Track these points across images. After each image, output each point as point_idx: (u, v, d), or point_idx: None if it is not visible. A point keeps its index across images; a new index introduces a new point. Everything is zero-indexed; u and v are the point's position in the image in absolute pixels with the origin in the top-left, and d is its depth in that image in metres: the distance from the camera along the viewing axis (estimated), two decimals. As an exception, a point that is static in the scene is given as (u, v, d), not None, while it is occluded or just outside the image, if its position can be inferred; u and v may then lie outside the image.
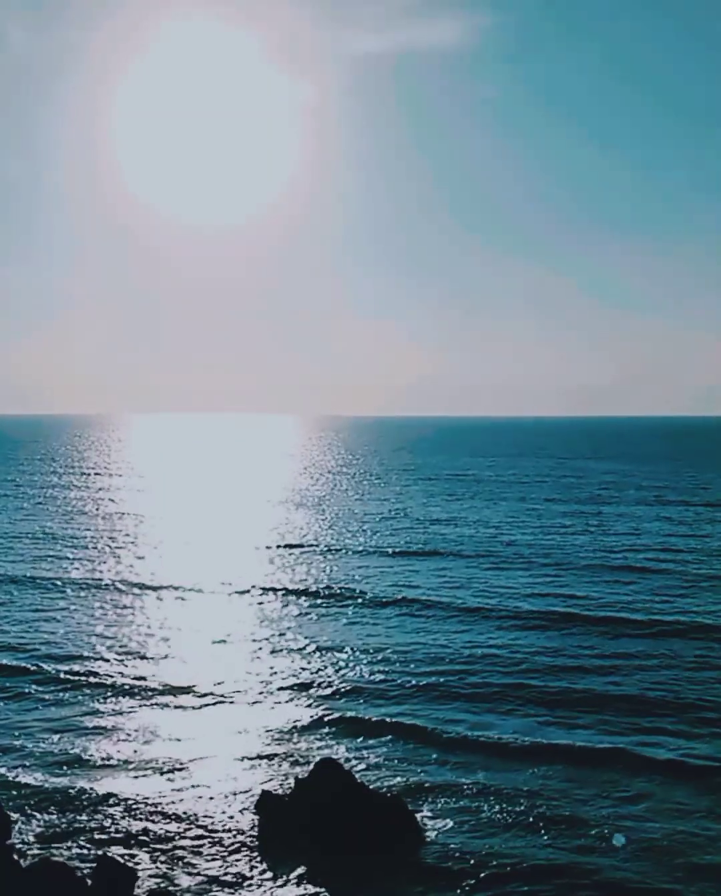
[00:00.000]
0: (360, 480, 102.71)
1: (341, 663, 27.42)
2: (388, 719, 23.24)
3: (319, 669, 26.93)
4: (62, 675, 26.56)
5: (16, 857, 15.68)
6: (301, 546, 50.08)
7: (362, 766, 20.44)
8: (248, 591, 37.31)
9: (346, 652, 28.55)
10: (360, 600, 35.49)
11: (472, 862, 16.39)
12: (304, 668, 27.02)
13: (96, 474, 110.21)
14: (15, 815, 17.86)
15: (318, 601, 35.69)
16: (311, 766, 18.13)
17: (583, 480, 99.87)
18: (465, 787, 19.36)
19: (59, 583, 39.03)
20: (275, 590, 37.68)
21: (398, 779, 19.80)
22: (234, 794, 19.29)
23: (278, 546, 50.22)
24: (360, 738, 22.18)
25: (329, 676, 26.42)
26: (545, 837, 17.21)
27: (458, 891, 15.58)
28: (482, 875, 16.01)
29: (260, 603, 35.68)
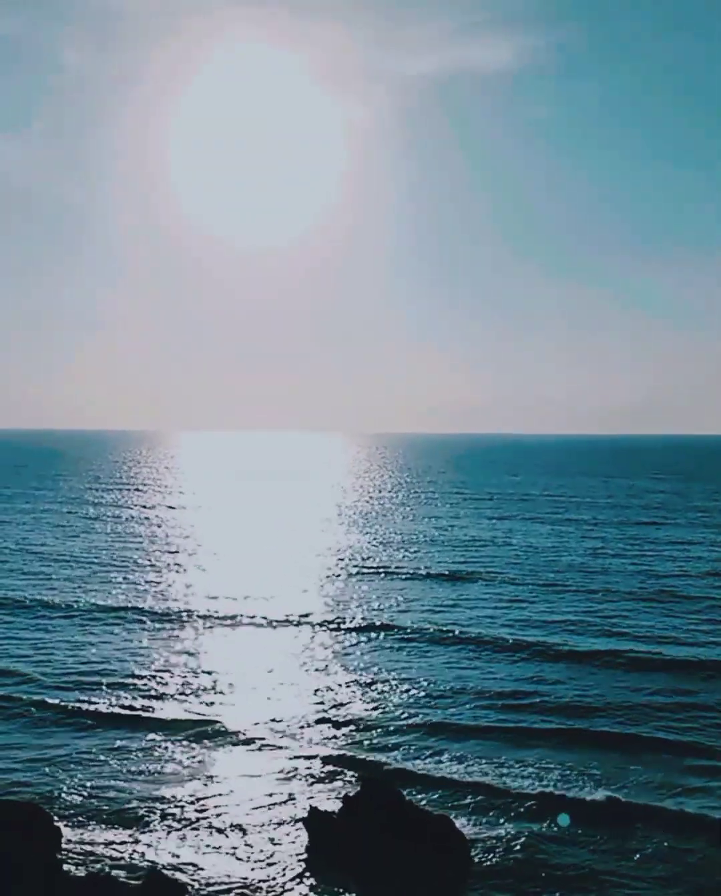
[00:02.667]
0: (405, 499, 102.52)
1: (385, 693, 27.17)
2: (436, 744, 23.18)
3: (364, 700, 26.68)
4: (110, 699, 26.59)
5: (66, 868, 15.80)
6: (344, 570, 49.40)
7: (410, 786, 20.37)
8: (287, 620, 36.43)
9: (389, 682, 28.31)
10: (400, 631, 34.59)
11: (519, 881, 16.27)
12: (348, 698, 26.72)
13: (141, 491, 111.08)
14: (65, 830, 18.01)
15: (364, 631, 34.74)
16: (359, 785, 18.08)
17: (633, 500, 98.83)
18: (515, 808, 19.23)
19: (97, 609, 38.47)
20: (317, 617, 36.90)
21: (447, 798, 19.73)
22: (283, 811, 19.31)
23: (321, 570, 49.59)
24: (409, 759, 22.10)
25: (375, 705, 26.28)
26: (589, 861, 17.01)
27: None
28: (532, 891, 15.90)
29: (302, 631, 35.04)
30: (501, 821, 18.58)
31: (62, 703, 25.80)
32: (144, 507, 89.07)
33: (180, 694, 26.98)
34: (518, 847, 17.46)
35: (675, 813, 18.93)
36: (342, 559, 53.75)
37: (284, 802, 19.67)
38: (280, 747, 23.02)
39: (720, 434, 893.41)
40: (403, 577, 47.41)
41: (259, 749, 22.96)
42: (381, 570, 49.49)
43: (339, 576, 47.75)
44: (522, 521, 75.42)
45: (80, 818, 18.83)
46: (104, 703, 25.95)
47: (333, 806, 18.38)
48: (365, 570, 49.30)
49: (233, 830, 18.39)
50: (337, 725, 24.16)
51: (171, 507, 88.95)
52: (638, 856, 17.23)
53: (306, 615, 37.16)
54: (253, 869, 16.83)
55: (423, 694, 26.91)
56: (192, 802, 19.75)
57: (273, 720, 24.60)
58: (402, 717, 24.77)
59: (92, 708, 25.48)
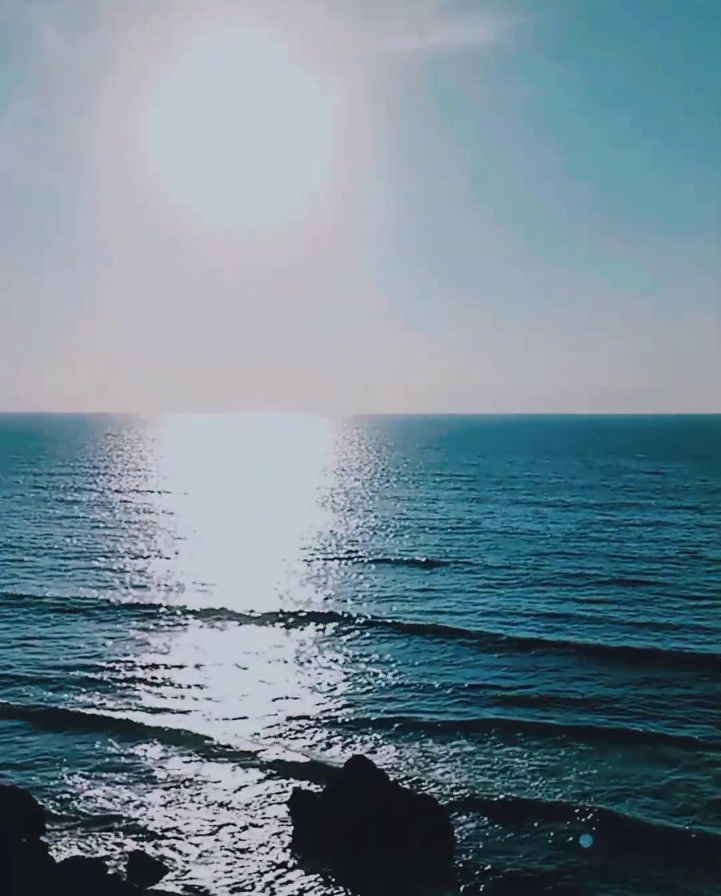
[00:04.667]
0: (382, 480, 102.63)
1: (361, 685, 26.59)
2: (419, 722, 23.22)
3: (340, 693, 26.21)
4: (81, 696, 26.05)
5: (49, 852, 15.78)
6: (318, 557, 48.48)
7: (395, 765, 20.44)
8: (256, 611, 35.19)
9: (365, 673, 27.84)
10: (374, 620, 33.51)
11: (503, 860, 16.38)
12: (324, 692, 26.22)
13: (118, 475, 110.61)
14: (49, 811, 18.01)
15: (338, 621, 33.68)
16: (343, 766, 18.11)
17: (612, 479, 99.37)
18: (497, 787, 19.34)
19: (77, 603, 37.04)
20: (287, 608, 35.74)
21: (430, 778, 19.80)
22: (267, 791, 19.36)
23: (293, 556, 48.64)
24: (393, 738, 22.16)
25: (350, 699, 25.85)
26: (578, 838, 17.14)
27: (489, 889, 15.54)
28: (513, 874, 16.00)
29: (272, 621, 33.99)
30: (487, 799, 18.70)
31: (34, 701, 25.14)
32: (119, 491, 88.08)
33: (152, 687, 26.47)
34: (503, 833, 17.52)
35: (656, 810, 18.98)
36: (316, 544, 53.07)
37: (266, 786, 19.68)
38: (263, 727, 23.03)
39: (703, 412, 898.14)
40: (377, 562, 46.78)
41: (241, 728, 22.94)
42: (355, 555, 48.85)
43: (311, 562, 47.03)
44: (502, 504, 75.16)
45: (62, 806, 18.76)
46: (76, 699, 25.37)
47: (317, 788, 18.43)
48: (338, 556, 48.63)
49: (217, 810, 18.44)
50: (313, 718, 23.73)
51: (145, 492, 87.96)
52: (624, 847, 17.34)
53: (275, 605, 36.36)
54: (236, 848, 16.87)
55: (398, 685, 26.45)
56: (176, 784, 19.77)
57: (247, 712, 24.20)
58: (379, 710, 24.33)
59: (62, 706, 24.79)
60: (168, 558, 48.42)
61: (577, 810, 18.07)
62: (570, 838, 17.12)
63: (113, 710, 24.48)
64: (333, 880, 15.78)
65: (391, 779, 17.79)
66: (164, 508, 72.68)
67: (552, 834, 17.34)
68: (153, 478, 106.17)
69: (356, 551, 50.33)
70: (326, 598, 38.14)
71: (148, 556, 48.87)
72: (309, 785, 19.14)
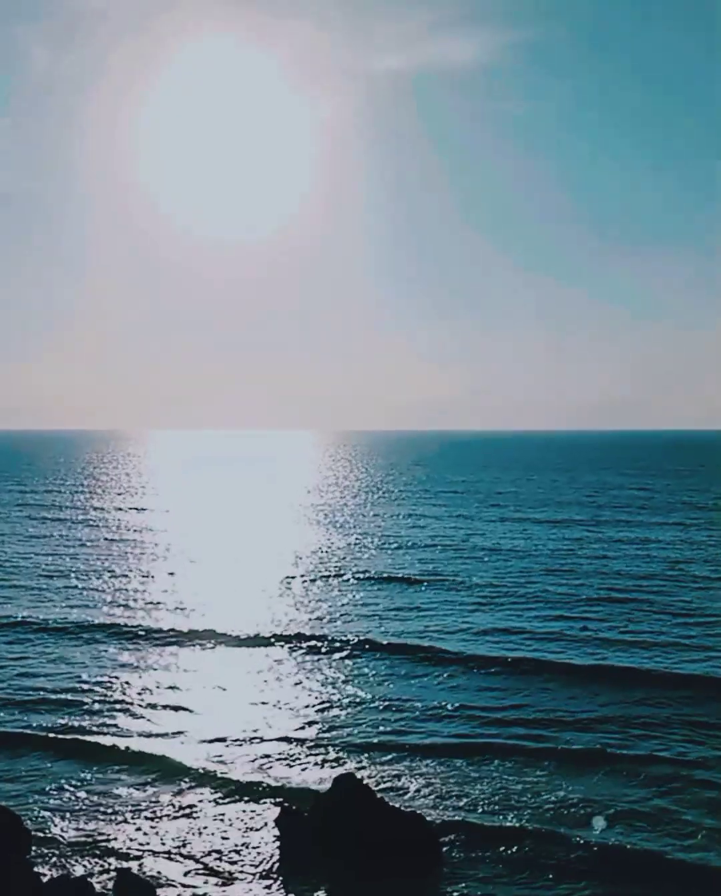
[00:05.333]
0: (370, 498, 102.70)
1: (347, 708, 26.11)
2: (405, 744, 23.14)
3: (326, 709, 26.18)
4: (70, 702, 26.21)
5: (36, 870, 15.71)
6: (304, 574, 48.11)
7: (381, 785, 20.42)
8: (237, 633, 34.51)
9: (350, 696, 27.50)
10: (359, 642, 32.83)
11: (493, 878, 16.40)
12: (311, 705, 26.22)
13: (105, 493, 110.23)
14: (35, 826, 17.92)
15: (330, 640, 33.29)
16: (331, 784, 18.09)
17: (599, 496, 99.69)
18: (484, 801, 19.34)
19: (57, 623, 36.29)
20: (268, 630, 34.95)
21: (417, 797, 19.79)
22: (254, 810, 19.31)
23: (282, 575, 48.05)
24: (378, 760, 22.04)
25: (340, 711, 26.01)
26: (569, 850, 17.15)
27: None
28: (504, 891, 16.00)
29: (254, 643, 33.35)
30: (476, 817, 18.70)
31: (13, 728, 24.63)
32: (102, 509, 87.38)
33: (134, 708, 26.13)
34: (491, 852, 17.48)
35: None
36: (300, 563, 52.56)
37: (252, 806, 19.60)
38: (249, 747, 23.00)
39: (691, 429, 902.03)
40: (363, 581, 46.36)
41: (227, 747, 22.92)
42: (340, 574, 48.32)
43: (295, 581, 46.49)
44: (488, 520, 75.15)
45: (44, 828, 18.64)
46: (55, 722, 24.96)
47: (304, 806, 18.38)
48: (323, 575, 48.04)
49: (204, 829, 18.39)
50: (297, 740, 23.49)
51: (129, 510, 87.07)
52: (612, 855, 17.36)
53: (259, 625, 35.82)
54: (224, 867, 16.82)
55: (384, 707, 26.12)
56: (162, 802, 19.73)
57: (231, 733, 23.93)
58: (365, 731, 24.11)
59: (41, 729, 24.40)
60: (150, 578, 47.75)
61: (563, 833, 17.98)
62: (560, 860, 17.05)
63: (94, 732, 24.16)
64: (321, 898, 15.77)
65: (378, 795, 17.78)
66: (147, 527, 72.02)
67: (540, 854, 17.24)
68: (137, 496, 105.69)
69: (341, 569, 49.96)
70: (311, 618, 37.77)
71: (129, 576, 48.21)
72: (299, 799, 19.09)
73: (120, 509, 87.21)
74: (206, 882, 16.32)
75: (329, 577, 47.82)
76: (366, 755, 22.31)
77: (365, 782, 18.00)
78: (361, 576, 47.83)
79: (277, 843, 17.50)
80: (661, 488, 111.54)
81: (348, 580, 46.86)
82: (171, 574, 49.01)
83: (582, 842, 17.52)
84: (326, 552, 57.29)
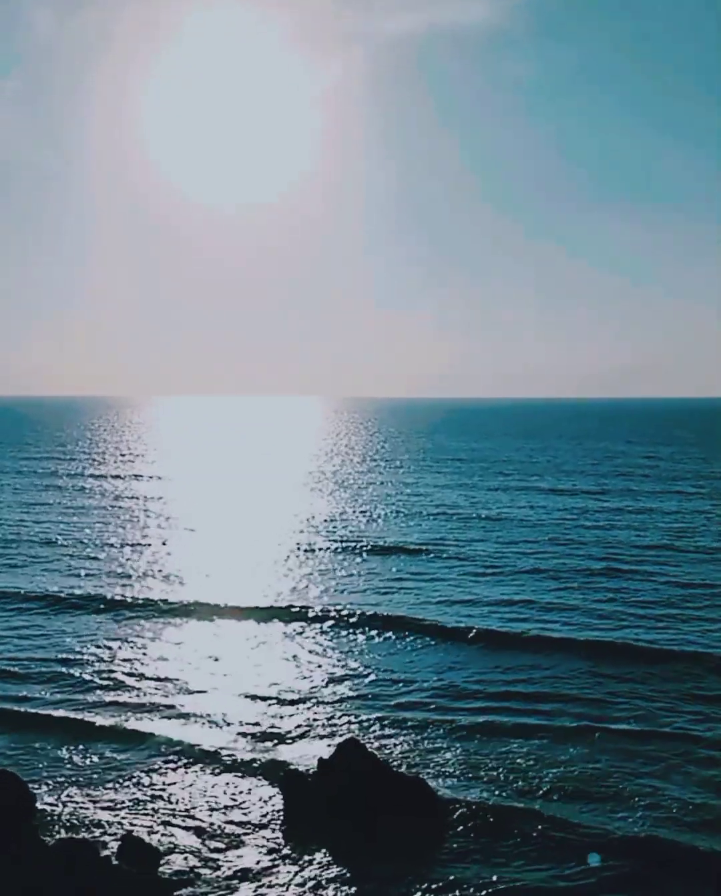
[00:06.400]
0: (374, 465, 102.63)
1: (346, 681, 25.96)
2: (408, 709, 23.31)
3: (324, 682, 26.01)
4: (77, 668, 26.47)
5: (41, 836, 15.84)
6: (305, 544, 47.62)
7: (385, 747, 20.56)
8: (237, 604, 34.21)
9: (349, 668, 27.35)
10: (360, 614, 32.44)
11: (492, 841, 16.54)
12: (309, 678, 26.13)
13: (107, 461, 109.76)
14: (39, 794, 18.06)
15: (329, 612, 32.93)
16: (334, 748, 18.22)
17: (603, 465, 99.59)
18: (486, 766, 19.47)
19: (54, 595, 35.89)
20: (268, 600, 34.92)
21: (420, 760, 19.93)
22: (259, 773, 19.43)
23: (282, 545, 47.64)
24: (377, 732, 22.04)
25: (339, 683, 25.76)
26: (566, 815, 17.27)
27: (479, 869, 15.67)
28: (503, 853, 16.17)
29: (252, 614, 33.07)
30: (476, 780, 18.84)
31: (7, 704, 24.38)
32: (105, 476, 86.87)
33: (132, 679, 26.04)
34: (490, 816, 17.49)
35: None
36: (302, 533, 52.09)
37: (260, 763, 19.81)
38: (254, 712, 23.18)
39: (696, 396, 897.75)
40: (365, 551, 45.94)
41: (233, 711, 23.05)
42: (342, 543, 47.94)
43: (296, 551, 46.10)
44: (492, 490, 74.85)
45: (55, 782, 18.84)
46: (52, 695, 24.91)
47: (309, 768, 18.50)
48: (324, 546, 47.53)
49: (209, 792, 18.55)
50: (298, 713, 23.40)
51: (129, 477, 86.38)
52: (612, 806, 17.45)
53: (257, 596, 35.66)
54: (228, 832, 16.94)
55: (384, 679, 26.02)
56: (168, 766, 19.90)
57: (231, 705, 23.89)
58: (364, 704, 24.01)
59: (35, 702, 24.32)
60: (149, 547, 47.29)
61: (562, 808, 17.97)
62: (557, 836, 16.90)
63: (91, 704, 24.09)
64: (326, 860, 15.89)
65: (381, 758, 17.92)
66: (147, 495, 71.45)
67: (538, 829, 17.05)
68: (138, 463, 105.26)
69: (342, 539, 49.66)
70: (311, 589, 37.43)
71: (128, 546, 47.73)
72: (303, 762, 19.21)
73: (119, 477, 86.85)
74: (211, 847, 16.41)
75: (329, 547, 47.51)
76: (364, 727, 22.30)
77: (365, 746, 18.13)
78: (362, 545, 47.49)
79: (282, 807, 17.63)
80: (666, 456, 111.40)
81: (349, 550, 46.49)
82: (166, 543, 48.47)
83: (577, 821, 17.31)
84: (327, 521, 57.01)
